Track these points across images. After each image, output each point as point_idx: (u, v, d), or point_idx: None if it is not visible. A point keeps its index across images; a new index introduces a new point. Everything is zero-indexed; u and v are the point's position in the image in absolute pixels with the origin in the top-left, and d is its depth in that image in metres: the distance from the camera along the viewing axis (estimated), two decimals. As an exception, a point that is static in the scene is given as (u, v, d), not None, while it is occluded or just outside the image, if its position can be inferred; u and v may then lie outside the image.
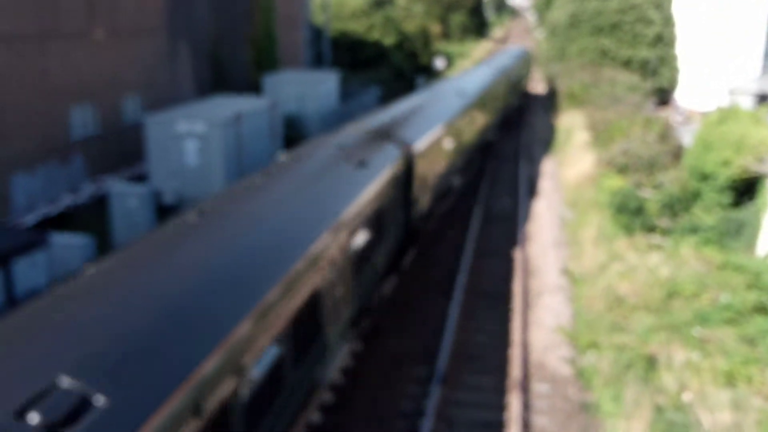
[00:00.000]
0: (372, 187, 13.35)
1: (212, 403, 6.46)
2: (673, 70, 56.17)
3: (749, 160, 20.58)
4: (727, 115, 23.11)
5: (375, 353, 15.19)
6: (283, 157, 14.32)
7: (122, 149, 25.30)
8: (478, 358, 15.30)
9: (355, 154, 14.80)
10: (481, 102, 28.32)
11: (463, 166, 25.31)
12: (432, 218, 20.94)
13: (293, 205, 11.01)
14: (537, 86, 61.83)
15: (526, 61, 52.17)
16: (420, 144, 17.51)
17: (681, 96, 56.04)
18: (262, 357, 7.80)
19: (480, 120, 28.56)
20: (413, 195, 17.21)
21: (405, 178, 16.62)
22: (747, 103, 44.86)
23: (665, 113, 44.67)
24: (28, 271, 14.85)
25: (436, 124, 19.97)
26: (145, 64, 27.64)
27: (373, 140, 16.46)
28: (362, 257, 12.74)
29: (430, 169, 19.03)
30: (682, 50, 56.63)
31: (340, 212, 11.36)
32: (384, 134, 17.06)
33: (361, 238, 12.46)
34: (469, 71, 37.06)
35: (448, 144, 21.27)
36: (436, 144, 19.40)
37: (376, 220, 13.84)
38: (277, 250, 9.24)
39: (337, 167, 13.69)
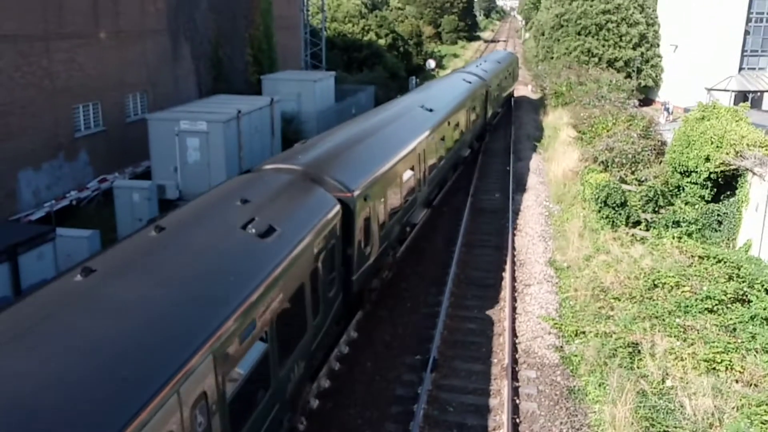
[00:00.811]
0: (279, 271, 9.14)
1: None
2: (657, 69, 56.88)
3: (730, 156, 21.01)
4: (708, 111, 23.51)
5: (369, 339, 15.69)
6: (151, 227, 9.29)
7: (126, 147, 25.79)
8: (468, 345, 15.77)
9: (266, 211, 10.43)
10: (454, 115, 25.00)
11: (427, 196, 21.44)
12: (382, 270, 16.76)
13: (127, 333, 6.75)
14: (525, 86, 62.24)
15: (511, 64, 50.36)
16: (364, 185, 13.87)
17: (664, 94, 56.69)
18: None
19: (452, 137, 24.82)
20: (354, 253, 13.42)
21: (342, 236, 12.84)
22: (726, 99, 45.66)
23: (649, 111, 45.26)
24: (35, 264, 15.12)
25: (389, 154, 16.32)
26: (149, 65, 28.21)
27: (299, 185, 12.51)
28: (258, 381, 8.62)
29: (380, 213, 15.19)
30: (665, 49, 57.23)
31: (210, 334, 7.15)
32: (315, 175, 13.04)
33: (253, 355, 8.28)
34: (445, 79, 35.91)
35: (407, 175, 17.62)
36: (388, 179, 15.71)
37: (288, 315, 9.53)
38: None
39: (228, 241, 9.26)
